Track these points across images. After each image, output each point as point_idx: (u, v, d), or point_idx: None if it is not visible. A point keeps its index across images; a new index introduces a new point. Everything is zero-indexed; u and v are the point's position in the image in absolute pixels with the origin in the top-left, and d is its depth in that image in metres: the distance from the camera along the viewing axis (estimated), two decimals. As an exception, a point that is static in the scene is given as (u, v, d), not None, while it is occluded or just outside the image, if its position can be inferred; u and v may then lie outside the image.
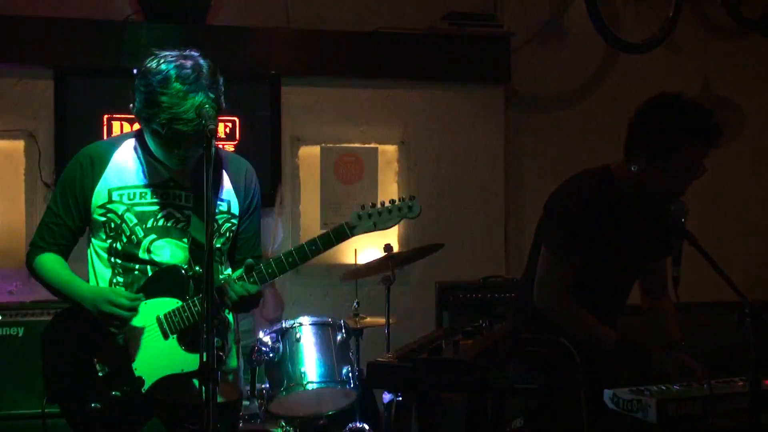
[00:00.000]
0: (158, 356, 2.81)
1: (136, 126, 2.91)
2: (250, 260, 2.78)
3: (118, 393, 2.78)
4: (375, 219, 2.84)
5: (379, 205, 2.85)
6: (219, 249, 2.93)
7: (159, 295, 2.84)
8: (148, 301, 2.82)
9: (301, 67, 5.57)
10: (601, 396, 2.97)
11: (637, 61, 6.05)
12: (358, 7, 5.70)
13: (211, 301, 2.38)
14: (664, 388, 2.96)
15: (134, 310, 2.79)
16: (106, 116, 5.07)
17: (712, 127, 3.12)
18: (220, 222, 2.93)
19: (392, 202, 2.87)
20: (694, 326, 3.53)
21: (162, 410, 2.88)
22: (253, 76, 5.44)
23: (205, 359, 2.34)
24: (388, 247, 4.54)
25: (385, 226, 2.86)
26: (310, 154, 5.66)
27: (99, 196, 2.85)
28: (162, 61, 2.71)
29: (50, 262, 2.89)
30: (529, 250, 3.49)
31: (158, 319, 2.83)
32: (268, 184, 5.42)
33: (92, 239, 2.93)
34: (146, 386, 2.79)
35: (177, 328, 2.82)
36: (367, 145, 5.73)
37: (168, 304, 2.83)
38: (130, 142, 2.92)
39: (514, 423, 4.04)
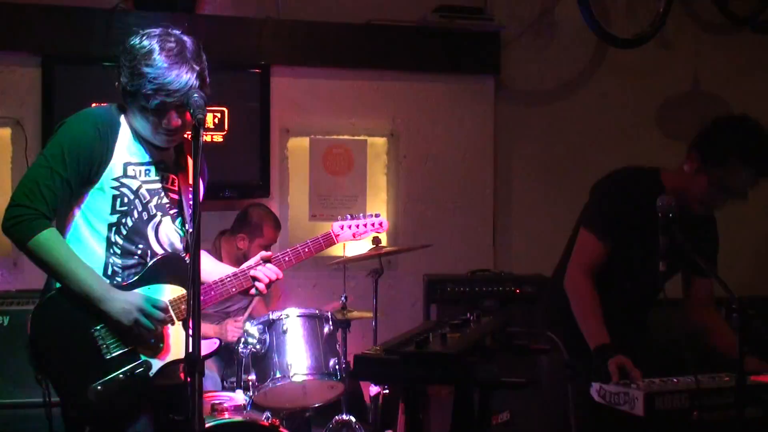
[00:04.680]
0: (166, 341, 2.81)
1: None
2: (265, 252, 3.05)
3: (123, 376, 2.72)
4: (354, 230, 3.34)
5: (351, 218, 3.35)
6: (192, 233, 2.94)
7: (162, 281, 2.83)
8: (152, 287, 2.82)
9: (291, 58, 5.55)
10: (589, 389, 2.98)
11: (627, 56, 6.06)
12: (349, -1, 5.70)
13: (198, 290, 2.38)
14: (653, 381, 2.97)
15: (166, 323, 2.80)
16: (93, 104, 5.02)
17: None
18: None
19: (364, 216, 3.39)
20: (682, 322, 3.55)
21: (156, 398, 2.83)
22: (242, 66, 5.42)
23: (191, 350, 2.33)
24: (376, 240, 4.54)
25: (361, 238, 3.38)
26: (299, 145, 5.64)
27: (115, 167, 2.77)
28: (145, 37, 2.74)
29: (55, 241, 2.68)
30: (566, 243, 3.55)
31: None
32: (258, 175, 5.41)
33: (86, 213, 2.77)
34: (154, 371, 2.77)
35: (183, 314, 2.83)
36: (356, 138, 5.73)
37: (172, 291, 2.84)
38: (123, 117, 2.85)
39: (500, 417, 4.04)
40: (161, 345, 2.80)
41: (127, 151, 2.80)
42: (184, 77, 2.68)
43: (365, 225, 3.35)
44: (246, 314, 4.68)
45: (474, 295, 5.22)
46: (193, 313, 2.35)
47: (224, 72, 5.28)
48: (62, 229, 2.79)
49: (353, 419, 4.31)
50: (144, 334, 2.75)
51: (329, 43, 5.59)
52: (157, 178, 2.86)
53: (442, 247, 5.51)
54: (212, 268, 3.08)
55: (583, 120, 6.12)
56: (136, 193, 2.80)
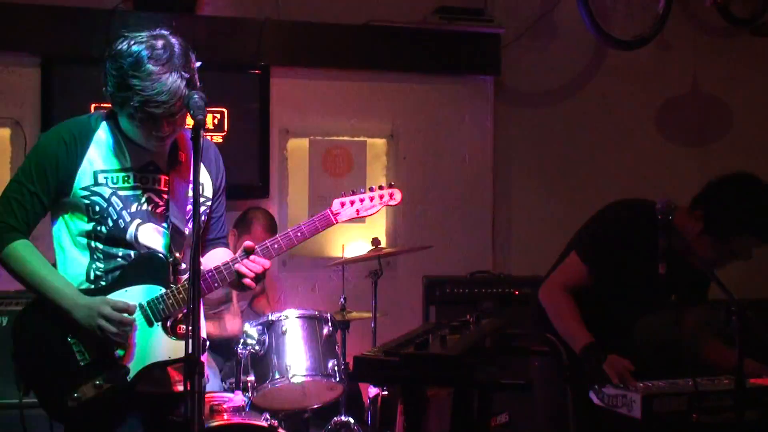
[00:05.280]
0: (143, 344, 2.76)
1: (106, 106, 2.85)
2: (248, 242, 2.83)
3: (100, 382, 2.70)
4: (357, 206, 2.94)
5: (353, 193, 2.95)
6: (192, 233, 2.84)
7: (140, 282, 2.78)
8: (129, 288, 2.76)
9: (291, 59, 5.55)
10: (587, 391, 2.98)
11: (627, 58, 6.06)
12: (349, 0, 5.69)
13: (198, 291, 2.36)
14: (650, 383, 2.96)
15: (132, 325, 2.73)
16: (93, 105, 5.03)
17: None
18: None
19: (372, 189, 2.97)
20: (682, 323, 3.55)
21: (144, 402, 2.81)
22: (242, 67, 5.42)
23: (190, 351, 2.32)
24: (375, 241, 4.54)
25: (368, 213, 2.96)
26: (298, 146, 5.64)
27: (83, 177, 2.74)
28: (132, 42, 2.66)
29: (26, 251, 2.75)
30: (558, 257, 3.53)
31: (141, 307, 2.77)
32: (257, 176, 5.41)
33: (66, 222, 2.80)
34: (131, 375, 2.73)
35: (161, 315, 2.77)
36: (356, 139, 5.72)
37: (151, 291, 2.78)
38: (105, 123, 2.82)
39: (499, 419, 4.04)
40: (138, 348, 2.75)
41: (100, 159, 2.76)
42: (173, 87, 2.61)
43: (372, 199, 2.96)
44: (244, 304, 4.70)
45: (473, 296, 5.22)
46: (192, 312, 2.34)
47: (224, 72, 5.30)
48: (50, 239, 2.84)
49: (352, 420, 4.30)
50: (111, 339, 2.72)
51: (329, 44, 5.59)
52: (137, 183, 2.79)
53: (441, 249, 5.51)
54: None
55: (583, 121, 6.12)
56: (108, 200, 2.75)
